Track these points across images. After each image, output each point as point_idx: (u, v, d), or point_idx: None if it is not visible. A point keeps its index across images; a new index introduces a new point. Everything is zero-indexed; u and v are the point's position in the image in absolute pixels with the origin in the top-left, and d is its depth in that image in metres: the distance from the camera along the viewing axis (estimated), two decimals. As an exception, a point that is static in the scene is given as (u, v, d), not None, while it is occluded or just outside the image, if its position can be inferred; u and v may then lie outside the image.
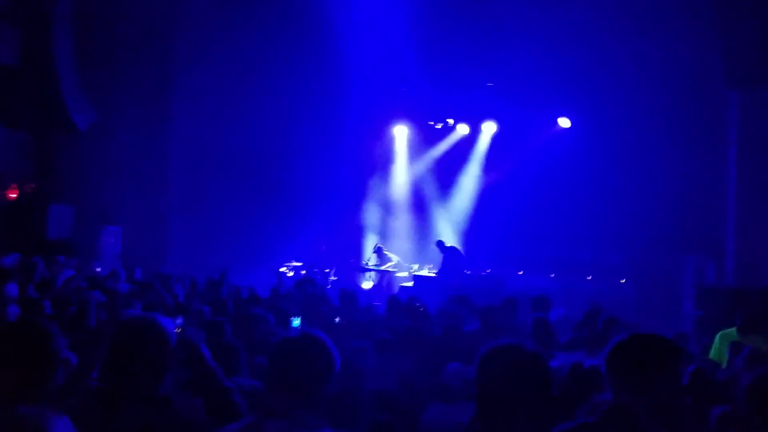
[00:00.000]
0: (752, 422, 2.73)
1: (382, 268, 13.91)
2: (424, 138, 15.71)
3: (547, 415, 2.27)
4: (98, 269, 10.65)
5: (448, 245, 13.57)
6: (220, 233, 14.03)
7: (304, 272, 12.54)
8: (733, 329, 7.17)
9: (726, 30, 8.33)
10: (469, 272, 12.98)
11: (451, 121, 15.22)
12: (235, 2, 13.35)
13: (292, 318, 6.08)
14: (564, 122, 14.01)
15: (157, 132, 13.49)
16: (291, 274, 12.62)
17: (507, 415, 2.23)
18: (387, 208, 15.86)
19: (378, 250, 14.11)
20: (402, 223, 15.70)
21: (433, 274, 13.20)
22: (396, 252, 14.54)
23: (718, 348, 6.65)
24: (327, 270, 13.51)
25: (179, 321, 4.63)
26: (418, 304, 7.20)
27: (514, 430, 2.23)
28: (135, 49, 12.88)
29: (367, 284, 13.75)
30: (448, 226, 15.28)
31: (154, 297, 6.97)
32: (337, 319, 6.48)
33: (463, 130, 15.21)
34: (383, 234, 15.45)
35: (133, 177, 13.03)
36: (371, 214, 15.72)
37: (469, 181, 15.30)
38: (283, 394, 2.26)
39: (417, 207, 15.71)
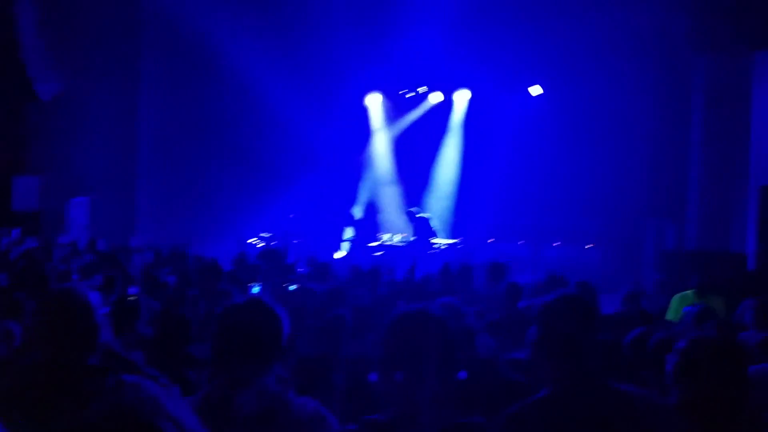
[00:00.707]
0: (678, 385, 2.78)
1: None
2: (398, 107, 15.63)
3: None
4: (65, 241, 10.54)
5: (418, 216, 13.63)
6: (191, 203, 13.92)
7: (274, 243, 12.50)
8: (690, 291, 7.34)
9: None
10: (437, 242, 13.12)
11: (423, 89, 15.14)
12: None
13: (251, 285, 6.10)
14: (535, 90, 14.02)
15: (125, 100, 13.26)
16: (261, 244, 12.58)
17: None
18: (370, 178, 15.81)
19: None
20: (386, 194, 15.64)
21: (402, 244, 13.34)
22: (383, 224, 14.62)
23: (675, 309, 6.81)
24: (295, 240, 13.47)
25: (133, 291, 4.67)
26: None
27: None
28: (101, 16, 12.58)
29: (339, 254, 13.77)
30: (431, 196, 15.27)
31: (116, 269, 6.94)
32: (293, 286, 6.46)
33: (436, 98, 15.15)
34: (370, 206, 15.42)
35: (101, 146, 12.83)
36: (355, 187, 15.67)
37: (448, 150, 15.28)
38: (239, 363, 2.22)
39: (400, 177, 15.65)
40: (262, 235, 13.55)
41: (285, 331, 2.31)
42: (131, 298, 4.59)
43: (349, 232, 14.45)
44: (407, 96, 15.33)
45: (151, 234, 12.46)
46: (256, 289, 6.06)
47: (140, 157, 13.73)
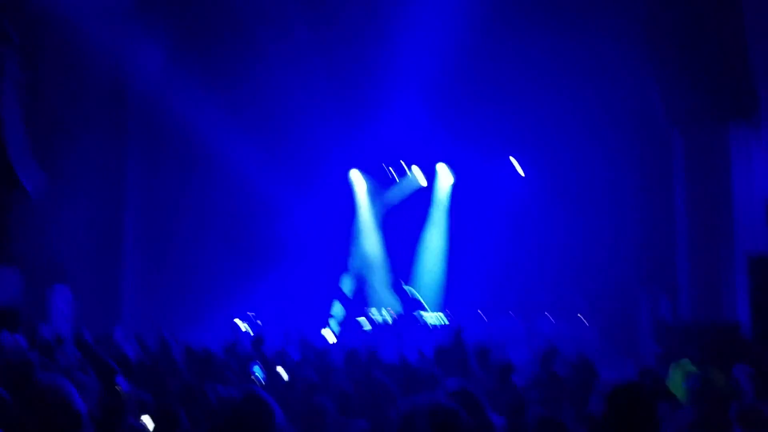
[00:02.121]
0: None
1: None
2: (382, 183, 15.77)
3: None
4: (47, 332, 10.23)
5: (406, 289, 13.55)
6: (176, 287, 13.74)
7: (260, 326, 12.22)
8: (686, 360, 7.26)
9: (661, 70, 8.64)
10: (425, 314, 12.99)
11: (409, 169, 15.35)
12: (190, 61, 13.33)
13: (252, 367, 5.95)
14: (518, 168, 14.26)
15: (110, 188, 13.24)
16: (245, 328, 12.30)
17: None
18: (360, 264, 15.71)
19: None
20: (374, 269, 15.53)
21: (390, 319, 13.19)
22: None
23: (678, 382, 6.70)
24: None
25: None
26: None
27: None
28: (88, 110, 12.72)
29: (327, 331, 13.50)
30: (419, 270, 15.19)
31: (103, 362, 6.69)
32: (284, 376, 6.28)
33: (420, 174, 15.31)
34: (358, 281, 15.30)
35: (85, 235, 12.72)
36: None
37: (435, 224, 15.33)
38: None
39: (387, 251, 15.58)
40: (249, 313, 13.30)
41: (279, 426, 2.36)
42: (118, 390, 4.43)
43: (337, 308, 14.26)
44: (391, 172, 15.50)
45: (137, 321, 12.21)
46: (257, 370, 5.94)
47: (125, 244, 13.60)
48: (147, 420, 4.32)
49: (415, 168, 15.32)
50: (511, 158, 14.22)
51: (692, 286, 10.09)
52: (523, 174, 14.04)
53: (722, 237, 9.78)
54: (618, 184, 11.87)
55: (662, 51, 8.62)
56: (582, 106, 11.99)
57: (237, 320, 12.66)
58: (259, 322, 10.60)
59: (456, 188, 15.13)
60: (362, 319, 13.51)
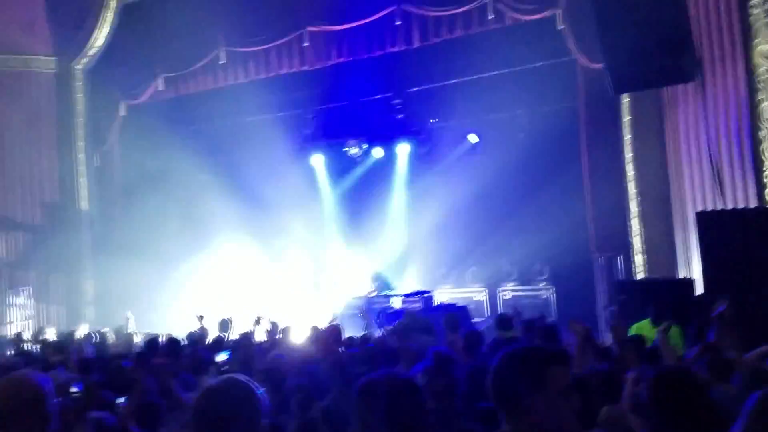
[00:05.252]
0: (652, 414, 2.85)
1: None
2: (342, 164, 15.73)
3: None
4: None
5: (374, 273, 13.61)
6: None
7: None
8: (646, 321, 7.51)
9: (606, 44, 8.85)
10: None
11: (365, 146, 15.32)
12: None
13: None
14: (473, 138, 14.38)
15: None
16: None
17: None
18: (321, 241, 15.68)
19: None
20: (339, 251, 15.52)
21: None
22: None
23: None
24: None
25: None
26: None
27: None
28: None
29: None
30: (384, 249, 15.22)
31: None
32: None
33: (378, 153, 15.31)
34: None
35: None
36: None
37: (396, 202, 15.36)
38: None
39: (352, 233, 15.59)
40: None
41: (264, 410, 2.29)
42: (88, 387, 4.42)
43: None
44: (350, 152, 15.46)
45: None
46: (223, 356, 5.92)
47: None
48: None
49: (375, 148, 15.32)
50: (468, 135, 14.33)
51: (646, 247, 10.41)
52: (477, 140, 14.19)
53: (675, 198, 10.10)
54: (570, 152, 12.08)
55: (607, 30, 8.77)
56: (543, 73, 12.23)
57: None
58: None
59: (414, 161, 15.13)
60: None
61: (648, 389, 2.97)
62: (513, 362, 2.11)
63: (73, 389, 4.29)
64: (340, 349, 6.42)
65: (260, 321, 9.02)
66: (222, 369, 6.16)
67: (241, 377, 2.35)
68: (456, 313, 8.96)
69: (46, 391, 2.39)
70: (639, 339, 5.98)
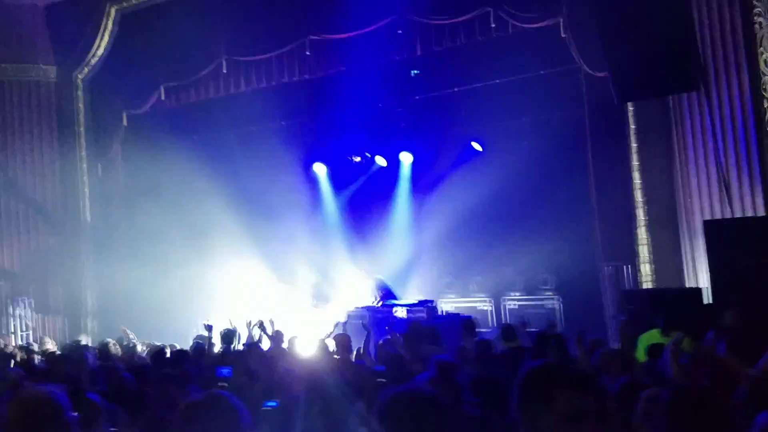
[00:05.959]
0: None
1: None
2: (345, 173, 15.70)
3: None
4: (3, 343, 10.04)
5: (376, 279, 13.52)
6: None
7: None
8: (656, 330, 7.45)
9: (611, 53, 8.83)
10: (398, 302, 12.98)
11: (368, 155, 15.30)
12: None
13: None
14: (476, 146, 14.34)
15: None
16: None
17: None
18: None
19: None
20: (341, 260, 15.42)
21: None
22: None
23: (643, 349, 6.87)
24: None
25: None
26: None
27: None
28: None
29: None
30: (388, 258, 15.13)
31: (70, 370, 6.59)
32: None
33: (381, 162, 15.28)
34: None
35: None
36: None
37: (399, 211, 15.30)
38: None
39: (355, 241, 15.51)
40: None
41: (245, 427, 2.34)
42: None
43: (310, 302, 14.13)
44: (353, 161, 15.44)
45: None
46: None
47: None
48: None
49: (378, 157, 15.29)
50: (472, 143, 14.28)
51: (653, 256, 10.37)
52: (480, 149, 14.15)
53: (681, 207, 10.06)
54: (576, 161, 12.03)
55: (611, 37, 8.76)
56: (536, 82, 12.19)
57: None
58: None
59: (418, 171, 15.08)
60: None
61: (664, 408, 2.93)
62: (527, 376, 2.10)
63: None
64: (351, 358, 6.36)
65: (263, 326, 8.95)
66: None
67: (224, 392, 2.44)
68: (473, 319, 8.96)
69: (63, 405, 2.39)
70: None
